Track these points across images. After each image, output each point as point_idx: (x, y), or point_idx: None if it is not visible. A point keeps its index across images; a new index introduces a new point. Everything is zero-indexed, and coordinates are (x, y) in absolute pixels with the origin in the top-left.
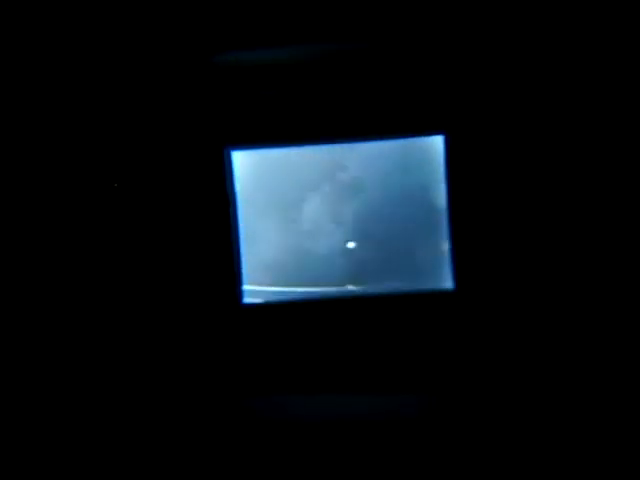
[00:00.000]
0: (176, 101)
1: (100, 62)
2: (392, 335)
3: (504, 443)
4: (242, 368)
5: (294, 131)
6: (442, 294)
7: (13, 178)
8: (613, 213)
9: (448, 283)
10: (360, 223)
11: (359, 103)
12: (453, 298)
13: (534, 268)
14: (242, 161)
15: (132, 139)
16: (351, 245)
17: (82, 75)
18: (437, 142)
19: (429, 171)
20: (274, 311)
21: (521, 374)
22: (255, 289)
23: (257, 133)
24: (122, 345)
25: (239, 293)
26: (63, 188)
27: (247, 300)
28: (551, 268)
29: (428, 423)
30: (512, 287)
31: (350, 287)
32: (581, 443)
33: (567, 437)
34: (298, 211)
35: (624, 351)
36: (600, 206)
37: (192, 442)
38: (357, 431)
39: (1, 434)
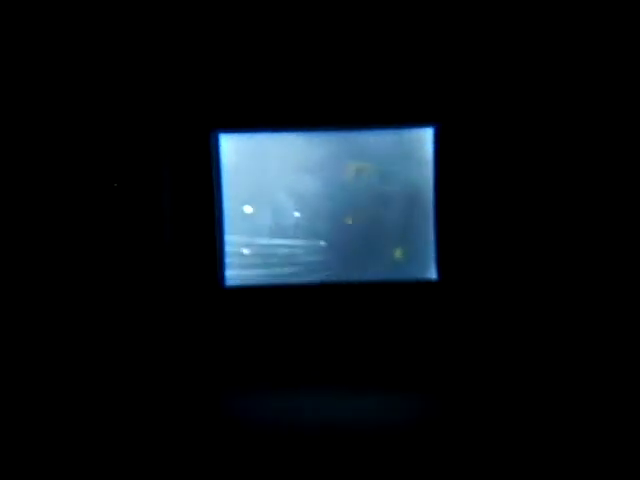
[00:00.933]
0: (166, 86)
1: (94, 47)
2: (376, 322)
3: (484, 423)
4: (222, 356)
5: (289, 118)
6: (426, 284)
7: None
8: (597, 211)
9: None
10: None
11: (352, 93)
12: (437, 288)
13: (516, 260)
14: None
15: (120, 123)
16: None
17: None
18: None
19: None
20: (256, 295)
21: (502, 360)
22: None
23: (248, 118)
24: (109, 330)
25: (221, 276)
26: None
27: (230, 283)
28: (534, 262)
29: (417, 412)
30: (494, 277)
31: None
32: (562, 421)
33: (547, 416)
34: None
35: (607, 339)
36: (585, 204)
37: (174, 429)
38: (342, 411)
39: None
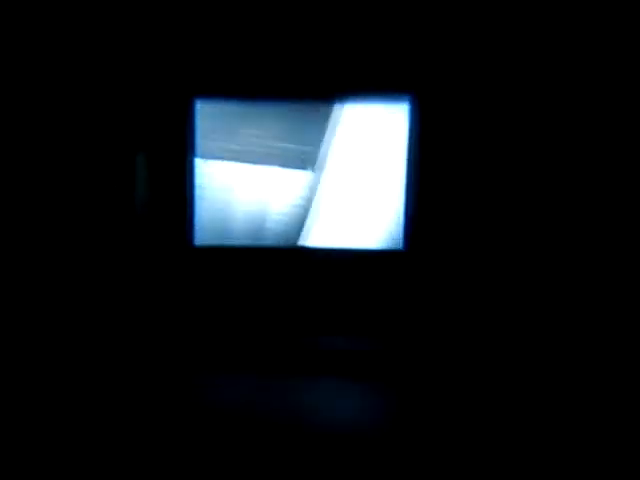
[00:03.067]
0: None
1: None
2: (344, 287)
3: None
4: (189, 318)
5: (261, 87)
6: (393, 253)
7: None
8: (565, 185)
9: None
10: None
11: (328, 63)
12: (403, 258)
13: (483, 232)
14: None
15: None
16: None
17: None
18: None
19: None
20: (224, 255)
21: (462, 323)
22: None
23: (224, 86)
24: (79, 288)
25: (191, 235)
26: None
27: (198, 242)
28: (500, 236)
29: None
30: (461, 249)
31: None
32: (529, 380)
33: (512, 374)
34: None
35: (572, 305)
36: (556, 177)
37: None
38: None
39: None
